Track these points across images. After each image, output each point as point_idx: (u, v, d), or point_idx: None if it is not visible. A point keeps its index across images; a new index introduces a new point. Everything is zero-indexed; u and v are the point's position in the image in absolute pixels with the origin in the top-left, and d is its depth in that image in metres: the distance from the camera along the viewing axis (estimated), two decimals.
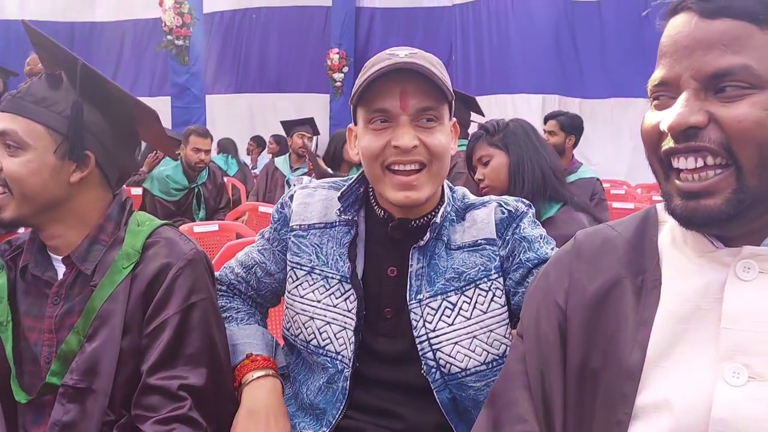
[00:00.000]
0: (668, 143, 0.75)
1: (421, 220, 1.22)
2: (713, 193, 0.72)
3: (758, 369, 0.71)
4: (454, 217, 1.24)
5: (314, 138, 5.19)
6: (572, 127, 4.11)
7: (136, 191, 4.52)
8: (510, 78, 7.58)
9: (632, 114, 6.95)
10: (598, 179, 3.80)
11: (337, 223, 1.26)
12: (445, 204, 1.22)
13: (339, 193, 1.25)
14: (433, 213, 1.23)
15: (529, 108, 7.27)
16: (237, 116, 8.80)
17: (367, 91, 1.12)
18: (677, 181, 0.75)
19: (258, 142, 8.42)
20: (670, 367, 0.76)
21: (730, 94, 0.71)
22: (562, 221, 2.04)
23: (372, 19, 8.85)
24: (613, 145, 7.06)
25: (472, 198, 1.29)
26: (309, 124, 5.15)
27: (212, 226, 3.21)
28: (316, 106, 8.91)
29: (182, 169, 4.25)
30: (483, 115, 3.78)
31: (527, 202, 1.27)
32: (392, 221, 1.22)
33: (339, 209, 1.24)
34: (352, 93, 1.16)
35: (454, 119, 1.23)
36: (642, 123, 0.79)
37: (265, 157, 7.78)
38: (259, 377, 1.20)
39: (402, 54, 1.13)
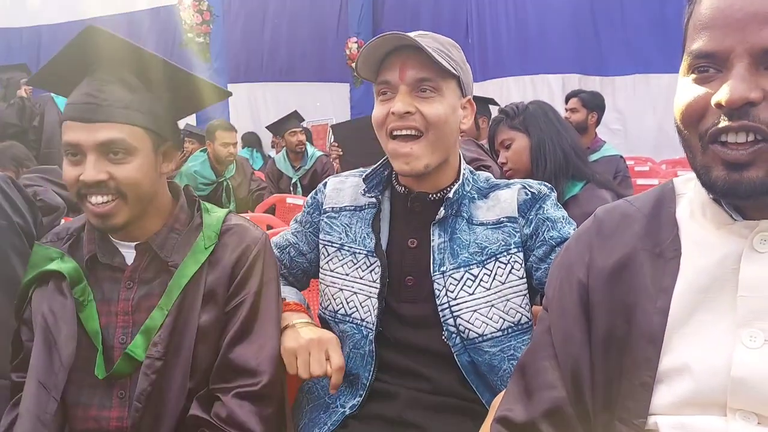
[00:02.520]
0: (719, 119, 0.74)
1: (437, 195, 1.33)
2: (757, 163, 0.72)
3: None
4: (475, 195, 1.33)
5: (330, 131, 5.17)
6: (594, 104, 4.10)
7: None
8: (529, 59, 7.44)
9: (655, 90, 6.81)
10: (621, 157, 3.79)
11: (366, 206, 1.37)
12: (461, 182, 1.31)
13: (364, 176, 1.37)
14: (448, 189, 1.32)
15: (549, 88, 7.16)
16: (256, 106, 8.81)
17: (371, 65, 1.27)
18: (721, 151, 0.74)
19: None
20: (689, 333, 0.79)
21: None
22: (585, 199, 2.06)
23: (389, 5, 8.77)
24: (636, 122, 6.93)
25: (497, 180, 1.38)
26: (295, 118, 5.07)
27: None
28: (336, 95, 8.92)
29: (210, 164, 4.34)
30: (497, 104, 3.76)
31: (550, 185, 1.35)
32: (412, 195, 1.33)
33: (363, 189, 1.36)
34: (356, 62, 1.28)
35: (469, 97, 1.31)
36: (679, 95, 0.78)
37: None
38: (295, 324, 1.26)
39: (413, 35, 1.23)
